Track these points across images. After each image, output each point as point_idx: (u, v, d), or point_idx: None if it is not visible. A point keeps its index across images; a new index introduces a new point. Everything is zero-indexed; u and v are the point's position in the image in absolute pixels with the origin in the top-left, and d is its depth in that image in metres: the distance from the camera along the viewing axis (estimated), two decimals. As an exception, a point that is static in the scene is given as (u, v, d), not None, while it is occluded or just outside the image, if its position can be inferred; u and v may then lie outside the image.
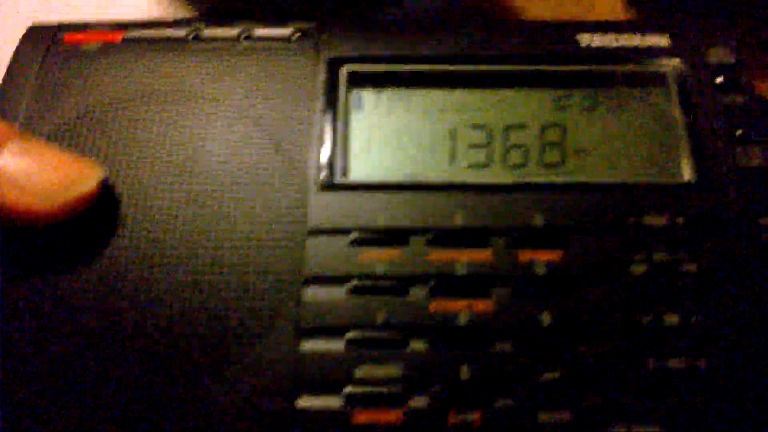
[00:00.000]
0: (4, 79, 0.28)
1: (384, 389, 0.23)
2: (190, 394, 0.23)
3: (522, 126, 0.28)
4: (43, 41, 0.29)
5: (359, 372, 0.23)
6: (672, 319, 0.24)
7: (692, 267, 0.24)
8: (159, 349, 0.23)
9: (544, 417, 0.23)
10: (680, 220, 0.25)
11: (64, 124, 0.27)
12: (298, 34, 0.29)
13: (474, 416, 0.23)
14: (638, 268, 0.24)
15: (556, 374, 0.23)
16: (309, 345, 0.23)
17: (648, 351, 0.23)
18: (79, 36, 0.29)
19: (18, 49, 0.29)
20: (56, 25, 0.30)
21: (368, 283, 0.24)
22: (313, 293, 0.24)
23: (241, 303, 0.24)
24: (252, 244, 0.25)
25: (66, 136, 0.27)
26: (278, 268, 0.24)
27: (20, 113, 0.27)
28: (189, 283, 0.24)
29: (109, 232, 0.25)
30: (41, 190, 0.24)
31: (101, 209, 0.25)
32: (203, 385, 0.23)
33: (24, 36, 0.30)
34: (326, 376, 0.23)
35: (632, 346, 0.23)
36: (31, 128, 0.27)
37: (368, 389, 0.23)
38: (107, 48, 0.29)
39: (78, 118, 0.28)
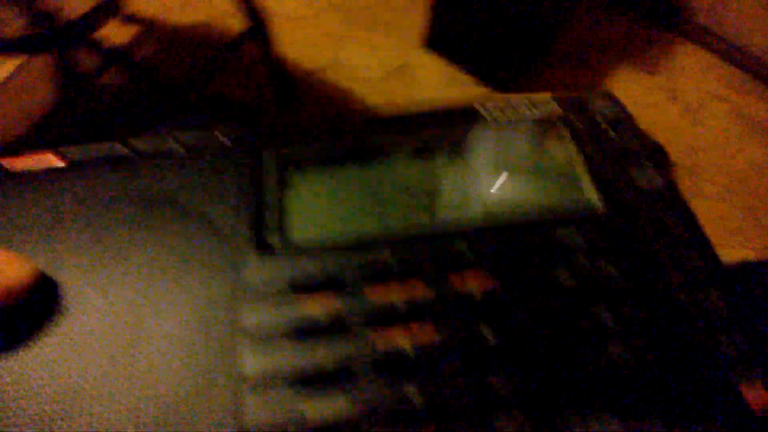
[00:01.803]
0: None
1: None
2: None
3: (442, 182, 0.31)
4: None
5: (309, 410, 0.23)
6: (606, 317, 0.25)
7: (613, 270, 0.26)
8: None
9: (499, 423, 0.23)
10: (594, 236, 0.27)
11: None
12: (236, 139, 0.32)
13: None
14: (567, 280, 0.26)
15: (508, 385, 0.23)
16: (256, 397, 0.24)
17: (589, 348, 0.24)
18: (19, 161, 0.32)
19: None
20: None
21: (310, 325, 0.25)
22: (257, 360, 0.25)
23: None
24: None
25: None
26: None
27: None
28: None
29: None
30: None
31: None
32: None
33: None
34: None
35: (574, 347, 0.24)
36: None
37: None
38: (49, 171, 0.31)
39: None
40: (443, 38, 0.50)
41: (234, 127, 0.34)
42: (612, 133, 0.32)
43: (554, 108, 0.33)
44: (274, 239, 0.28)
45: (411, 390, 0.23)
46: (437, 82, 0.49)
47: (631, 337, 0.24)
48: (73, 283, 0.27)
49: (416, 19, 0.53)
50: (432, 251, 0.27)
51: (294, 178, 0.31)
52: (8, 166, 0.30)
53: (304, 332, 0.25)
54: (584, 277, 0.26)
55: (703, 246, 0.27)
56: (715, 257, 0.26)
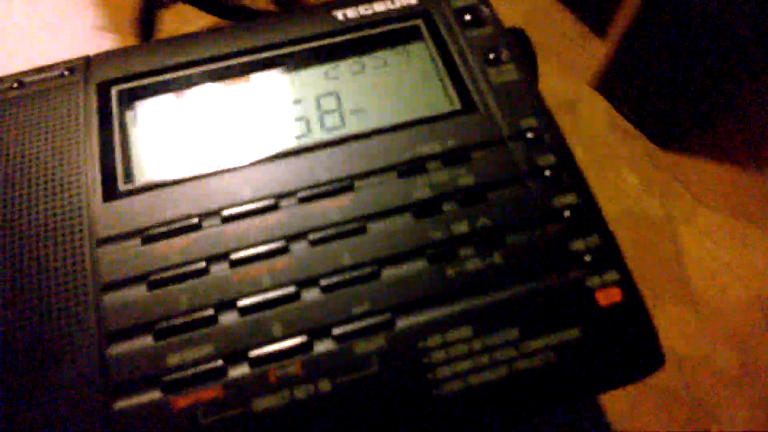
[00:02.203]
0: None
1: (200, 368, 0.22)
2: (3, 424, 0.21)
3: (299, 101, 0.29)
4: None
5: (172, 359, 0.23)
6: (461, 227, 0.25)
7: (469, 179, 0.26)
8: None
9: (360, 348, 0.23)
10: (451, 143, 0.26)
11: None
12: (67, 71, 0.29)
13: (294, 367, 0.22)
14: (421, 192, 0.25)
15: (365, 306, 0.23)
16: (116, 348, 0.23)
17: (444, 261, 0.24)
18: None
19: None
20: None
21: (167, 274, 0.24)
22: (113, 298, 0.24)
23: (39, 326, 0.23)
24: (40, 268, 0.24)
25: None
26: (71, 285, 0.24)
27: None
28: None
29: None
30: None
31: None
32: (17, 412, 0.22)
33: None
34: (139, 373, 0.22)
35: (430, 261, 0.24)
36: None
37: (183, 373, 0.22)
38: None
39: None
40: (614, 84, 0.47)
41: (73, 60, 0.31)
42: (470, 23, 0.30)
43: (411, 2, 0.31)
44: (120, 183, 0.27)
45: (275, 326, 0.23)
46: (600, 125, 0.47)
47: (486, 244, 0.24)
48: None
49: (588, 57, 0.49)
50: (289, 177, 0.26)
51: (136, 111, 0.29)
52: None
53: (162, 281, 0.24)
54: (438, 185, 0.26)
55: (558, 143, 0.27)
56: (568, 154, 0.26)
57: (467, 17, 0.30)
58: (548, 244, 0.24)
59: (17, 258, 0.24)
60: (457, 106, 0.28)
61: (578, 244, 0.24)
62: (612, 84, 0.44)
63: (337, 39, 0.30)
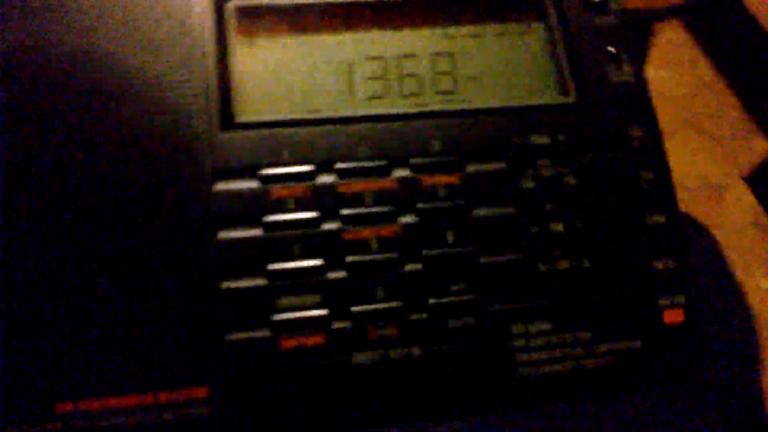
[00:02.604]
0: None
1: (308, 314, 0.25)
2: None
3: (413, 56, 0.29)
4: None
5: (283, 301, 0.25)
6: (558, 227, 0.27)
7: (572, 180, 0.27)
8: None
9: (452, 324, 0.25)
10: (561, 137, 0.28)
11: None
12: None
13: (392, 330, 0.25)
14: (527, 184, 0.27)
15: (461, 285, 0.26)
16: (232, 283, 0.25)
17: (539, 257, 0.26)
18: None
19: None
20: None
21: (282, 218, 0.25)
22: (228, 234, 0.25)
23: (157, 252, 0.24)
24: (153, 194, 0.25)
25: None
26: (185, 216, 0.25)
27: None
28: (90, 241, 0.25)
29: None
30: None
31: None
32: (137, 328, 0.23)
33: None
34: (251, 310, 0.24)
35: (525, 254, 0.26)
36: None
37: (292, 316, 0.24)
38: None
39: None
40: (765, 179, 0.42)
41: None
42: (593, 7, 0.30)
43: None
44: (238, 114, 0.27)
45: (378, 289, 0.25)
46: (741, 218, 0.43)
47: (578, 248, 0.27)
48: None
49: (747, 149, 0.44)
50: (405, 146, 0.27)
51: (263, 40, 0.29)
52: None
53: (277, 225, 0.25)
54: (544, 181, 0.27)
55: (660, 159, 0.28)
56: (666, 171, 0.28)
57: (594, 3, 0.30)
58: (633, 259, 0.27)
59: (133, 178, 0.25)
60: (572, 98, 0.29)
61: (659, 265, 0.27)
62: (762, 181, 0.43)
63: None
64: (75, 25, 0.27)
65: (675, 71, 0.42)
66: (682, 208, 0.30)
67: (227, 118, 0.26)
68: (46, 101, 0.25)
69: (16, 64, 0.26)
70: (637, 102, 0.29)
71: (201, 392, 0.24)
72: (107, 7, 0.27)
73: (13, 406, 0.23)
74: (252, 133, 0.26)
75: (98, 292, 0.24)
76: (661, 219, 0.27)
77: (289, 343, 0.24)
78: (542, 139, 0.28)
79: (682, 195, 0.30)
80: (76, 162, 0.25)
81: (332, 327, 0.25)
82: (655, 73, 0.40)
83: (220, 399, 0.24)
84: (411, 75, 0.29)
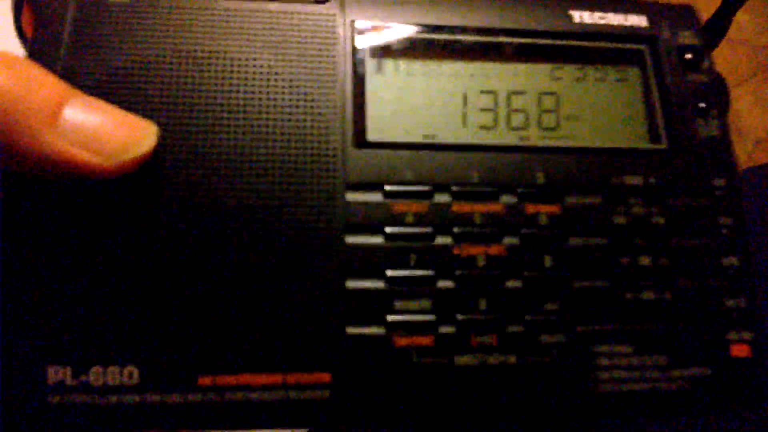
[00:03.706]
0: (35, 33, 0.29)
1: (418, 318, 0.28)
2: (252, 320, 0.27)
3: (522, 93, 0.32)
4: None
5: (398, 304, 0.28)
6: (645, 261, 0.30)
7: (661, 220, 0.30)
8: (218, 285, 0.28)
9: (545, 339, 0.29)
10: (653, 180, 0.31)
11: (104, 82, 0.29)
12: (325, -3, 0.32)
13: (491, 339, 0.28)
14: (619, 220, 0.30)
15: (555, 306, 0.29)
16: (355, 283, 0.28)
17: (626, 286, 0.30)
18: None
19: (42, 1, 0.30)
20: None
21: (401, 230, 0.29)
22: (355, 239, 0.28)
23: (290, 251, 0.28)
24: (291, 197, 0.28)
25: (106, 92, 0.29)
26: (319, 220, 0.28)
27: (57, 68, 0.28)
28: (231, 237, 0.28)
29: (155, 188, 0.28)
30: (103, 149, 0.25)
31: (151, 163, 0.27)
32: (267, 319, 0.27)
33: None
34: (370, 308, 0.28)
35: (614, 283, 0.30)
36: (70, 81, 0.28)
37: (405, 318, 0.28)
38: (137, 3, 0.30)
39: (115, 75, 0.29)
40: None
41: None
42: (687, 64, 0.33)
43: (642, 23, 0.34)
44: (370, 133, 0.31)
45: (481, 301, 0.29)
46: None
47: (661, 281, 0.30)
48: None
49: None
50: (513, 175, 0.30)
51: (391, 64, 0.32)
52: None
53: (397, 236, 0.29)
54: (635, 218, 0.31)
55: (737, 207, 0.31)
56: (743, 220, 0.31)
57: (688, 56, 0.34)
58: (709, 296, 0.30)
59: (270, 175, 0.29)
60: (664, 145, 0.32)
61: (730, 302, 0.30)
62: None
63: (571, 42, 0.33)
64: (231, 37, 0.30)
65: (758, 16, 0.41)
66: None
67: (360, 137, 0.30)
68: (200, 100, 0.29)
69: (176, 66, 0.29)
70: (722, 156, 0.32)
71: (324, 377, 0.27)
72: (261, 22, 0.30)
73: (159, 375, 0.26)
74: (380, 152, 0.30)
75: (238, 284, 0.27)
76: (736, 261, 0.30)
77: (402, 342, 0.28)
78: (635, 180, 0.31)
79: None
80: (214, 166, 0.29)
81: (439, 331, 0.28)
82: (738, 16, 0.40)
83: (340, 385, 0.27)
84: (519, 110, 0.32)
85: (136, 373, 0.26)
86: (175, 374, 0.26)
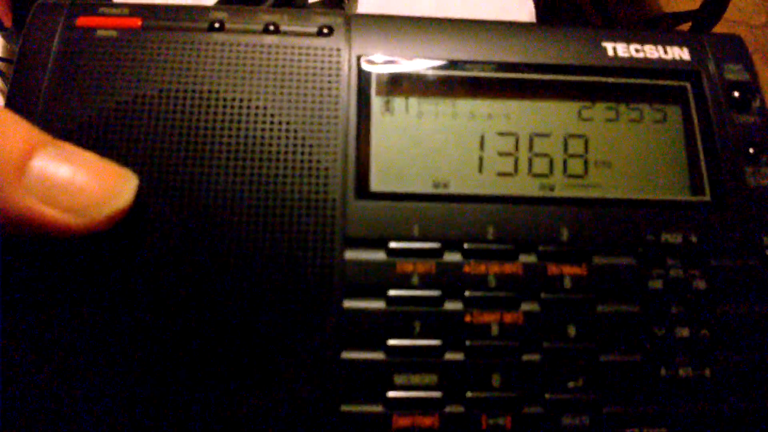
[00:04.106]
0: (17, 67, 0.27)
1: (422, 395, 0.25)
2: (238, 400, 0.24)
3: (546, 135, 0.29)
4: (54, 24, 0.27)
5: (399, 379, 0.25)
6: (683, 332, 0.26)
7: (702, 284, 0.27)
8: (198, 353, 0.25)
9: (566, 421, 0.25)
10: (694, 238, 0.27)
11: (86, 122, 0.27)
12: (326, 29, 0.28)
13: (505, 421, 0.25)
14: (655, 284, 0.26)
15: (579, 383, 0.25)
16: (351, 354, 0.25)
17: (660, 361, 0.26)
18: (95, 20, 0.28)
19: (28, 31, 0.27)
20: (66, 4, 0.28)
21: (406, 293, 0.25)
22: (353, 304, 0.25)
23: (280, 315, 0.25)
24: (284, 255, 0.25)
25: (88, 135, 0.26)
26: (314, 281, 0.25)
27: (38, 106, 0.26)
28: (216, 300, 0.25)
29: (137, 242, 0.25)
30: (74, 206, 0.22)
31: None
32: (252, 391, 0.24)
33: (32, 16, 0.28)
34: (368, 383, 0.25)
35: (647, 357, 0.26)
36: (50, 123, 0.26)
37: (408, 395, 0.25)
38: (125, 36, 0.28)
39: (99, 116, 0.27)
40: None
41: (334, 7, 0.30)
42: (735, 103, 0.29)
43: (684, 56, 0.30)
44: (373, 183, 0.28)
45: (495, 376, 0.25)
46: None
47: (700, 355, 0.26)
48: None
49: None
50: (533, 231, 0.27)
51: (399, 102, 0.29)
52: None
53: (400, 300, 0.26)
54: (673, 282, 0.27)
55: None
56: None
57: (736, 94, 0.29)
58: (757, 372, 0.26)
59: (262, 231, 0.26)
60: (707, 197, 0.28)
61: None
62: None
63: (602, 79, 0.29)
64: (225, 75, 0.27)
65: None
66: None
67: (362, 186, 0.26)
68: (188, 144, 0.26)
69: (164, 106, 0.27)
70: None
71: (314, 461, 0.24)
72: (258, 58, 0.27)
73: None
74: (384, 204, 0.26)
75: (221, 354, 0.24)
76: None
77: (403, 422, 0.24)
78: (674, 238, 0.27)
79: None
80: (209, 207, 0.26)
81: (446, 410, 0.25)
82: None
83: (333, 470, 0.24)
84: (542, 155, 0.29)
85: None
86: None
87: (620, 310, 0.26)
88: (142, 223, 0.25)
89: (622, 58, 0.30)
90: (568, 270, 0.26)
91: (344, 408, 0.24)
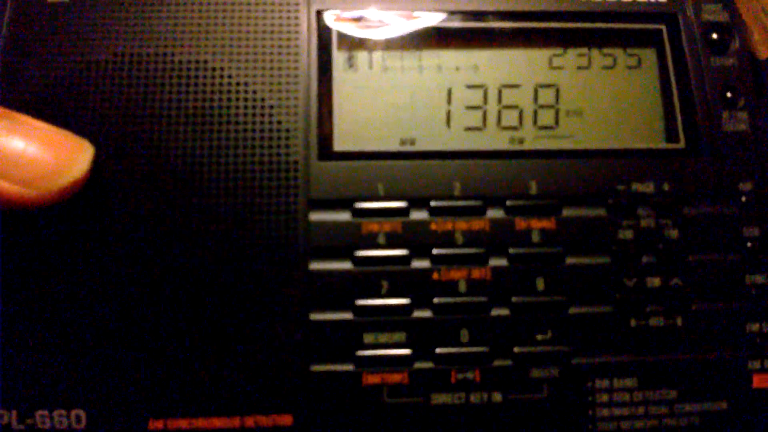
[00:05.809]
0: None
1: (392, 353, 0.25)
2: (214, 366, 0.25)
3: (516, 86, 0.28)
4: None
5: (368, 338, 0.25)
6: (654, 282, 0.26)
7: (674, 233, 0.26)
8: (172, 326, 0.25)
9: (536, 373, 0.25)
10: (666, 187, 0.26)
11: (40, 91, 0.26)
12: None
13: (474, 375, 0.25)
14: (625, 234, 0.26)
15: (548, 335, 0.25)
16: (320, 315, 0.25)
17: (631, 311, 0.26)
18: None
19: None
20: None
21: (372, 253, 0.25)
22: (319, 265, 0.25)
23: (247, 279, 0.25)
24: (248, 219, 0.25)
25: (43, 104, 0.26)
26: (279, 244, 0.25)
27: None
28: (182, 265, 0.25)
29: (98, 212, 0.25)
30: (28, 178, 0.22)
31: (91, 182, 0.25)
32: (222, 354, 0.24)
33: None
34: (337, 343, 0.25)
35: (617, 307, 0.26)
36: (4, 94, 0.26)
37: (376, 353, 0.25)
38: (77, 1, 0.27)
39: (54, 84, 0.26)
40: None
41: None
42: (713, 45, 0.28)
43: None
44: (336, 143, 0.27)
45: (463, 332, 0.25)
46: None
47: (670, 304, 0.26)
48: None
49: None
50: (501, 185, 0.26)
51: (356, 60, 0.28)
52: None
53: (367, 260, 0.26)
54: (644, 232, 0.26)
55: (765, 219, 0.27)
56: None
57: (714, 36, 0.28)
58: (729, 320, 0.26)
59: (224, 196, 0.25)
60: (681, 144, 0.27)
61: (753, 327, 0.26)
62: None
63: (574, 25, 0.28)
64: (180, 36, 0.26)
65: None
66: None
67: (326, 147, 0.26)
68: (145, 109, 0.26)
69: (119, 71, 0.26)
70: (751, 155, 0.27)
71: (285, 419, 0.24)
72: (214, 17, 0.27)
73: (107, 418, 0.24)
74: (348, 163, 0.26)
75: (190, 318, 0.24)
76: (761, 279, 0.26)
77: (372, 379, 0.25)
78: (646, 188, 0.26)
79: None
80: (170, 173, 0.26)
81: (415, 367, 0.25)
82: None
83: (303, 428, 0.24)
84: (511, 106, 0.28)
85: (83, 416, 0.24)
86: (125, 418, 0.24)
87: (590, 262, 0.26)
88: (104, 192, 0.24)
89: (595, 2, 0.29)
90: (537, 223, 0.26)
91: (314, 368, 0.24)
